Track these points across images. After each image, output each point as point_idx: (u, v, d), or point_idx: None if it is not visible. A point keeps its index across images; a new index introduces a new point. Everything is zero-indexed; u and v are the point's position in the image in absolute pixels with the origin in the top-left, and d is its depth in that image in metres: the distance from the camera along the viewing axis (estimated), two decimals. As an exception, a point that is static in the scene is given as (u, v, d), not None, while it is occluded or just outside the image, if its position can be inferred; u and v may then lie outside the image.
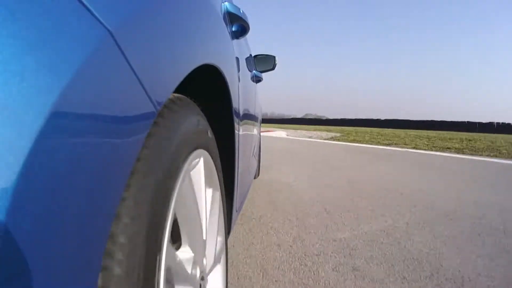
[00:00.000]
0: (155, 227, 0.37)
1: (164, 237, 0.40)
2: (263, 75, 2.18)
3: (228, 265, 0.95)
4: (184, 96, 0.54)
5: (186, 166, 0.48)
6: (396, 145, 7.71)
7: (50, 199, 0.21)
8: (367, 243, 1.55)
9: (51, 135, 0.21)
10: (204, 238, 0.60)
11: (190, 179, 0.53)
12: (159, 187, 0.38)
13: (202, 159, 0.59)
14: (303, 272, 1.25)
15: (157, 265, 0.38)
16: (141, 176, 0.35)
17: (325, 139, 9.45)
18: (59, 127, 0.22)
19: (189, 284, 0.51)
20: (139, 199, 0.34)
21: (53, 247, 0.22)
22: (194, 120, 0.53)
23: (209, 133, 0.64)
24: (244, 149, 1.22)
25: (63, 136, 0.22)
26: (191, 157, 0.51)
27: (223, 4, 0.86)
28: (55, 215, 0.22)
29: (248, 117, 1.32)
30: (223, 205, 0.77)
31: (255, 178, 2.81)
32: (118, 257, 0.31)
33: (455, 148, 6.90)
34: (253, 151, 1.89)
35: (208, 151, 0.62)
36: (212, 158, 0.66)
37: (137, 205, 0.34)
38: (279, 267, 1.29)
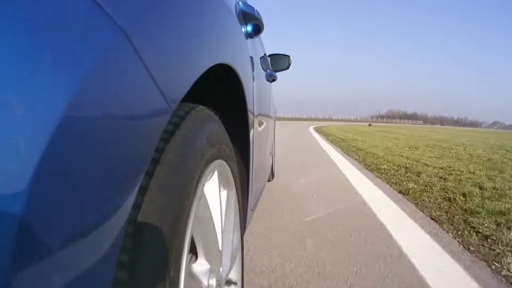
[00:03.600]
0: (174, 242, 0.37)
1: (184, 253, 0.39)
2: (278, 74, 2.17)
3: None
4: (203, 106, 0.54)
5: (203, 179, 0.47)
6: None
7: (63, 199, 0.21)
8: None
9: (65, 134, 0.21)
10: (220, 249, 0.60)
11: (206, 193, 0.53)
12: (176, 206, 0.38)
13: (220, 169, 0.59)
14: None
15: (176, 281, 0.37)
16: (157, 193, 0.35)
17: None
18: (73, 126, 0.22)
19: None
20: (156, 217, 0.34)
21: (62, 250, 0.22)
22: (213, 130, 0.53)
23: (228, 143, 0.63)
24: (259, 148, 1.21)
25: (77, 135, 0.22)
26: (209, 168, 0.50)
27: (237, 3, 0.86)
28: (68, 216, 0.22)
29: (263, 116, 1.31)
30: (239, 219, 0.76)
31: (269, 180, 2.71)
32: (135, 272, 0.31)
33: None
34: (268, 150, 1.88)
35: (226, 161, 0.62)
36: (230, 167, 0.66)
37: (156, 217, 0.34)
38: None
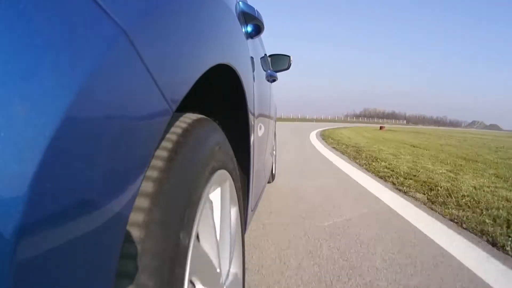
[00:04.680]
0: (176, 261, 0.36)
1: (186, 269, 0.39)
2: (278, 74, 2.17)
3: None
4: (206, 117, 0.54)
5: (205, 193, 0.47)
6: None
7: (63, 200, 0.21)
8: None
9: (66, 135, 0.21)
10: (223, 248, 0.59)
11: (210, 207, 0.53)
12: (181, 214, 0.38)
13: (222, 181, 0.59)
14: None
15: None
16: (162, 208, 0.34)
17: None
18: (74, 127, 0.22)
19: None
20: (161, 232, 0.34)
21: (62, 252, 0.22)
22: (216, 142, 0.53)
23: (230, 155, 0.64)
24: (259, 149, 1.21)
25: (78, 135, 0.22)
26: (211, 181, 0.50)
27: (237, 3, 0.86)
28: (68, 216, 0.22)
29: (263, 117, 1.31)
30: (242, 238, 0.76)
31: (270, 182, 2.70)
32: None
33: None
34: (269, 151, 1.88)
35: (228, 171, 0.62)
36: (232, 179, 0.66)
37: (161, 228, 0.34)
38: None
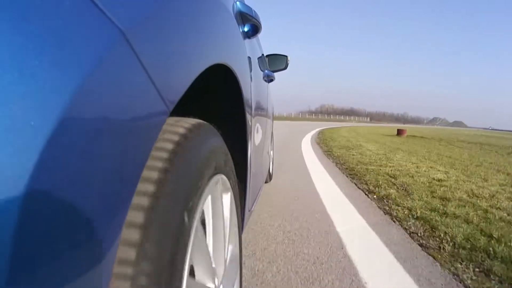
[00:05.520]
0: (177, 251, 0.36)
1: (186, 259, 0.39)
2: (275, 74, 2.17)
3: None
4: (204, 122, 0.54)
5: (203, 196, 0.47)
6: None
7: (60, 199, 0.21)
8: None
9: (62, 135, 0.21)
10: (219, 250, 0.60)
11: (207, 209, 0.53)
12: (180, 215, 0.38)
13: (219, 183, 0.59)
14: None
15: None
16: (162, 201, 0.35)
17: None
18: (71, 127, 0.22)
19: None
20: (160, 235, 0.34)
21: (60, 251, 0.22)
22: (213, 146, 0.53)
23: (228, 159, 0.64)
24: (257, 149, 1.21)
25: (75, 136, 0.22)
26: (209, 184, 0.50)
27: (235, 3, 0.86)
28: (65, 217, 0.22)
29: (261, 117, 1.31)
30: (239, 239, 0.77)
31: (267, 182, 2.70)
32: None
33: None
34: (266, 151, 1.88)
35: (226, 176, 0.62)
36: (230, 181, 0.66)
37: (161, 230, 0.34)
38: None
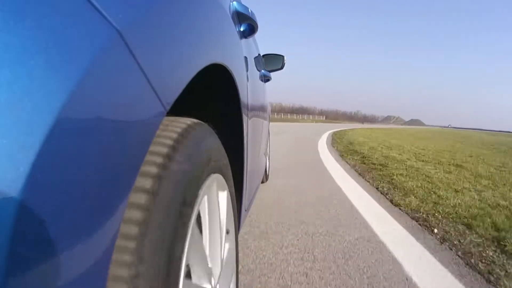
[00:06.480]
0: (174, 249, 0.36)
1: (182, 261, 0.39)
2: (272, 74, 2.17)
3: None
4: (200, 121, 0.54)
5: (200, 195, 0.47)
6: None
7: (57, 200, 0.21)
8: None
9: (60, 135, 0.21)
10: (216, 250, 0.60)
11: (204, 209, 0.53)
12: (176, 214, 0.38)
13: (216, 184, 0.59)
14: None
15: None
16: (158, 213, 0.34)
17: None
18: (68, 127, 0.22)
19: None
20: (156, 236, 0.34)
21: (57, 251, 0.22)
22: (210, 146, 0.53)
23: (224, 159, 0.64)
24: (253, 149, 1.21)
25: (72, 136, 0.22)
26: (205, 184, 0.50)
27: (231, 3, 0.86)
28: (61, 217, 0.22)
29: (257, 117, 1.31)
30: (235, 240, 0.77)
31: (263, 182, 2.70)
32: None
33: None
34: (262, 151, 1.88)
35: (223, 175, 0.62)
36: (226, 181, 0.66)
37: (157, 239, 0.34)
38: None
